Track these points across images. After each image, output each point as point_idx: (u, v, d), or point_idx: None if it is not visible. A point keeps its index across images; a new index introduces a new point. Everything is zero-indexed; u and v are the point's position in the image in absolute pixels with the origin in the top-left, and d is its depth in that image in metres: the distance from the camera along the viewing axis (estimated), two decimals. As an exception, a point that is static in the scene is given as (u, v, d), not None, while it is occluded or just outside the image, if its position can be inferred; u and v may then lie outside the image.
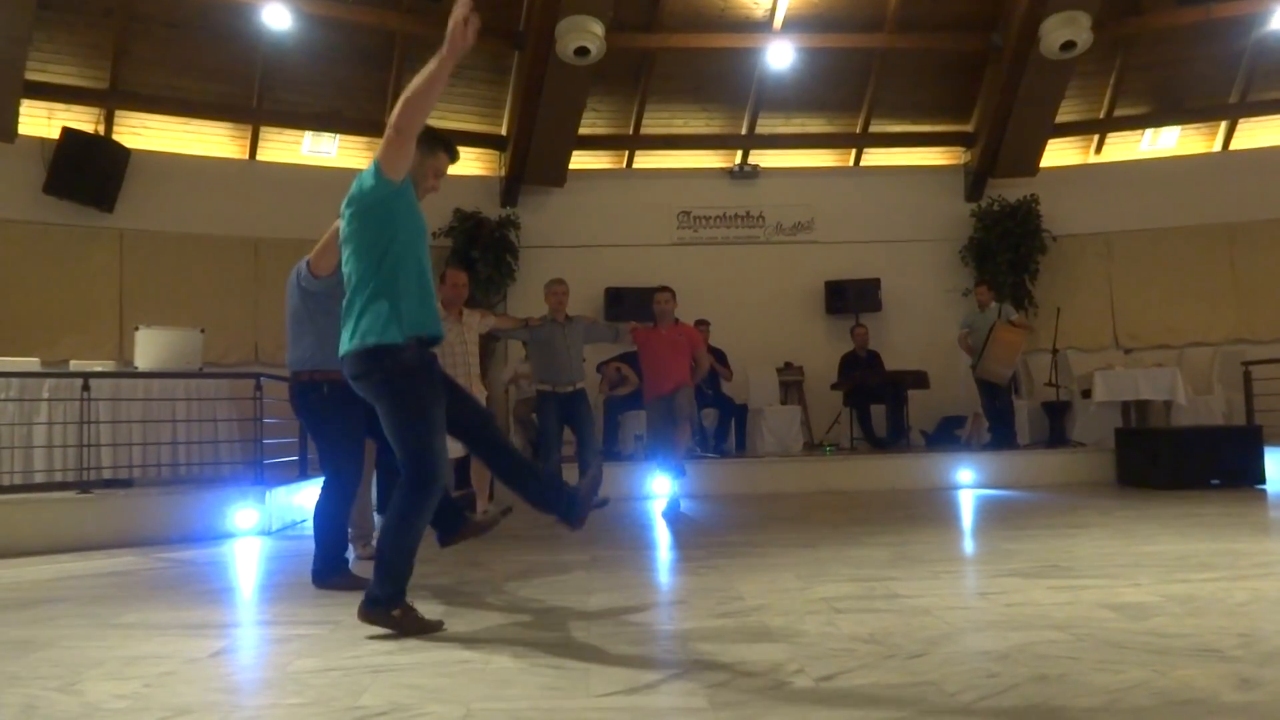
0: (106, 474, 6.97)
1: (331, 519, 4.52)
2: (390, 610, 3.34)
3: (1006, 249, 11.22)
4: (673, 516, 7.17)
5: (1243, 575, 4.05)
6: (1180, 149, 11.87)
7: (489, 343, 9.90)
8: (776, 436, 10.05)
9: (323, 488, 4.58)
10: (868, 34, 11.25)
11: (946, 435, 10.65)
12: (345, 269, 3.49)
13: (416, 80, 3.25)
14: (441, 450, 3.40)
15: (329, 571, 4.43)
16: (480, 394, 6.38)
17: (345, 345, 3.41)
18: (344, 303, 3.45)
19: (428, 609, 3.59)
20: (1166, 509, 6.67)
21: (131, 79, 10.00)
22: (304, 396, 4.54)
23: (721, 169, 11.99)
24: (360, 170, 3.52)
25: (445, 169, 3.65)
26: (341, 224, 3.53)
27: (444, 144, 3.64)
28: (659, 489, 8.08)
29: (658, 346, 7.28)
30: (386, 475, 4.87)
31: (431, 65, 3.22)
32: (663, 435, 7.29)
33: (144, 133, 10.27)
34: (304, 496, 7.34)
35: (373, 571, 3.41)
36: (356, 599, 3.44)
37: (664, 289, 7.46)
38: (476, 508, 6.38)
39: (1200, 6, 10.50)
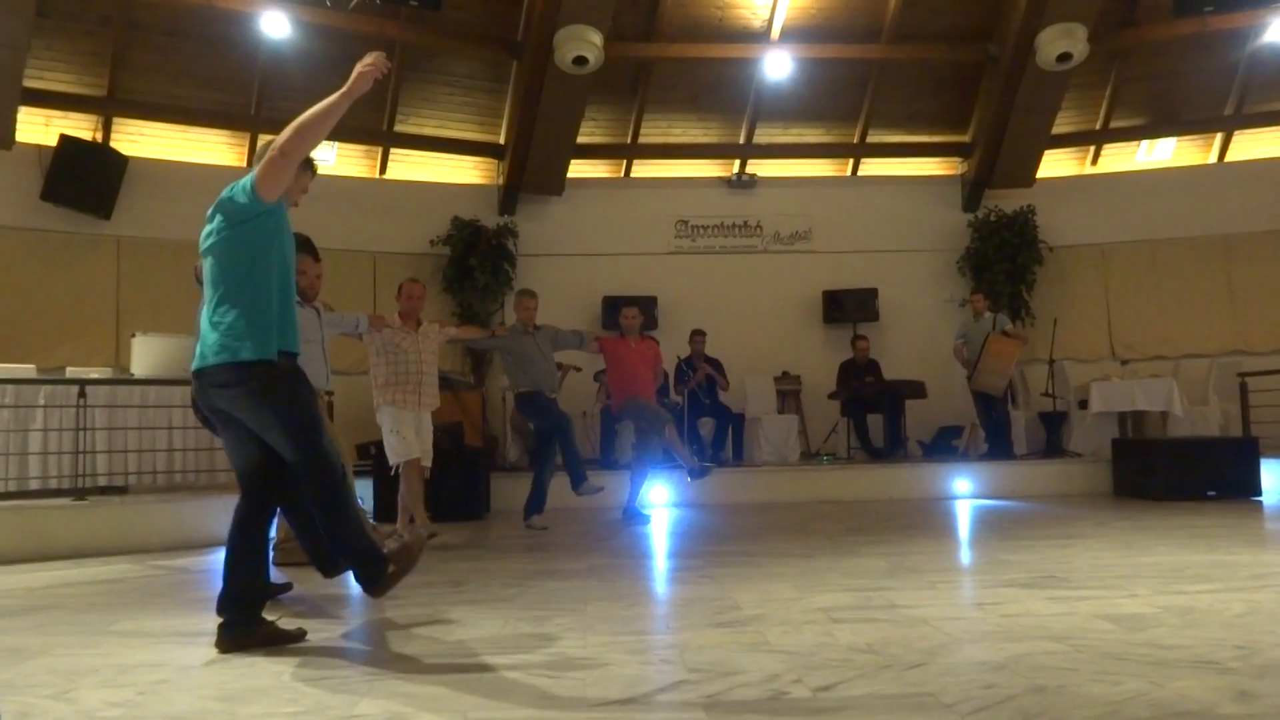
0: (102, 481, 6.94)
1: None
2: (386, 571, 3.38)
3: (1003, 259, 11.23)
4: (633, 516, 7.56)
5: (1240, 587, 4.05)
6: (1176, 160, 11.91)
7: (486, 351, 9.89)
8: (773, 446, 10.04)
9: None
10: (865, 45, 11.29)
11: (943, 445, 10.65)
12: (207, 276, 3.46)
13: (311, 111, 3.32)
14: (328, 439, 3.45)
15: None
16: (434, 404, 6.40)
17: (212, 357, 3.36)
18: (206, 311, 3.42)
19: (424, 613, 3.57)
20: (1163, 520, 6.67)
21: (129, 86, 10.00)
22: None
23: (719, 178, 12.00)
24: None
25: (307, 189, 3.72)
26: (205, 227, 3.49)
27: (310, 164, 3.68)
28: (656, 499, 8.28)
29: (628, 356, 7.70)
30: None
31: (330, 100, 3.32)
32: (643, 431, 7.74)
33: (141, 140, 10.27)
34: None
35: (352, 567, 3.45)
36: (354, 608, 3.42)
37: (632, 305, 8.11)
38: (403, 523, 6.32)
39: (1196, 19, 10.55)
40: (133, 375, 7.46)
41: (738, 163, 11.98)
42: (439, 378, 6.58)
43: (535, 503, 7.24)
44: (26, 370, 7.51)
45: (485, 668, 3.01)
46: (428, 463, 6.35)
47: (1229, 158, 11.72)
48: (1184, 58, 11.34)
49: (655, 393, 7.87)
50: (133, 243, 9.95)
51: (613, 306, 11.01)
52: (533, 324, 7.29)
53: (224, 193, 3.44)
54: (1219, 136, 11.73)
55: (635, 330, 7.83)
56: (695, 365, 10.07)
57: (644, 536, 6.69)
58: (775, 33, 11.18)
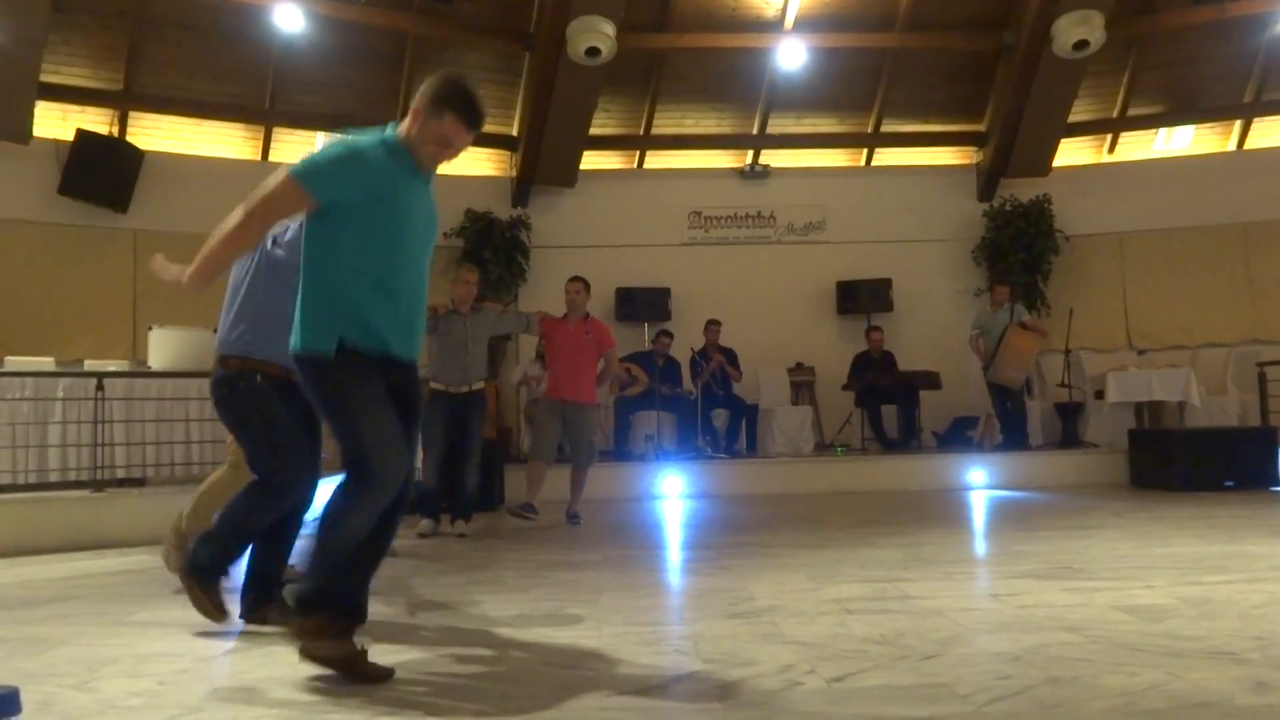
0: (120, 473, 7.01)
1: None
2: (303, 612, 2.80)
3: (1019, 249, 11.16)
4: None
5: (1258, 578, 4.02)
6: (1194, 148, 11.80)
7: (499, 341, 9.90)
8: (787, 437, 10.04)
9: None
10: (879, 33, 11.23)
11: (958, 436, 10.61)
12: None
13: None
14: (377, 444, 2.79)
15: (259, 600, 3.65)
16: None
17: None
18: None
19: (440, 603, 3.59)
20: (1180, 511, 6.63)
21: (145, 80, 10.05)
22: (230, 387, 3.63)
23: (732, 169, 11.97)
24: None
25: (455, 138, 2.88)
26: None
27: (455, 105, 2.84)
28: (669, 489, 8.17)
29: (562, 341, 6.70)
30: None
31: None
32: (545, 444, 6.70)
33: (157, 134, 10.32)
34: (319, 494, 7.34)
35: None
36: (376, 603, 3.42)
37: (575, 279, 6.82)
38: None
39: (1214, 5, 10.44)
40: (150, 368, 7.52)
41: (751, 153, 11.95)
42: None
43: (461, 506, 6.30)
44: (45, 363, 7.58)
45: (500, 658, 3.03)
46: None
47: (1248, 145, 11.61)
48: (1202, 44, 11.22)
49: (593, 383, 6.81)
50: (149, 236, 9.97)
51: (626, 298, 11.03)
52: (468, 304, 6.28)
53: None
54: (1238, 124, 11.62)
55: (577, 308, 6.71)
56: (709, 355, 10.07)
57: (658, 527, 6.69)
58: (789, 22, 11.13)
